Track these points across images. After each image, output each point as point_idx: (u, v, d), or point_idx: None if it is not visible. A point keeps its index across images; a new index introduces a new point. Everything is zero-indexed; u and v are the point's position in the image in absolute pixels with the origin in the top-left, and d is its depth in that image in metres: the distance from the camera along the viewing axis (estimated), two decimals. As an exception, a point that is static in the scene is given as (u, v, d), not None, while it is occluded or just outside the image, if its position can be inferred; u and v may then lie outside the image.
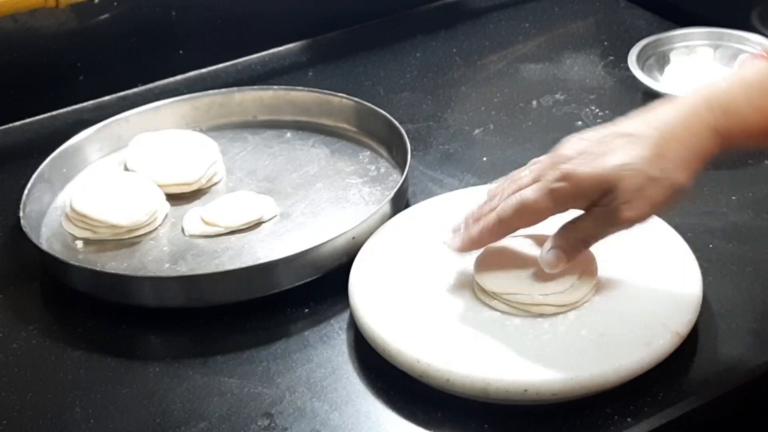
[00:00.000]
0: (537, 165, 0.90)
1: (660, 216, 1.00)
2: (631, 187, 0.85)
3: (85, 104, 1.34)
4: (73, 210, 1.08)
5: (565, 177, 0.87)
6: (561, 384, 0.85)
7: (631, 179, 0.85)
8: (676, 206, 0.87)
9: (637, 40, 1.32)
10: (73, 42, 1.31)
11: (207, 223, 1.08)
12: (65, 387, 0.94)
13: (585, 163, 0.87)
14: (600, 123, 1.11)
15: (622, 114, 0.90)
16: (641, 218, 0.87)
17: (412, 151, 1.12)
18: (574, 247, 0.90)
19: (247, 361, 0.95)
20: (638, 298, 0.92)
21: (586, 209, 0.88)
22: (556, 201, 0.88)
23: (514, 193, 0.89)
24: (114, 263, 1.05)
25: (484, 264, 0.94)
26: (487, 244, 0.93)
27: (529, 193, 0.88)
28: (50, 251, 1.04)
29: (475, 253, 0.94)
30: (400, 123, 1.16)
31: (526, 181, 0.89)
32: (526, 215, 0.89)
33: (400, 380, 0.89)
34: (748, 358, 0.91)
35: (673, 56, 1.32)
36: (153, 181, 1.12)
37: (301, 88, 1.26)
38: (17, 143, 1.28)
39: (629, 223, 0.87)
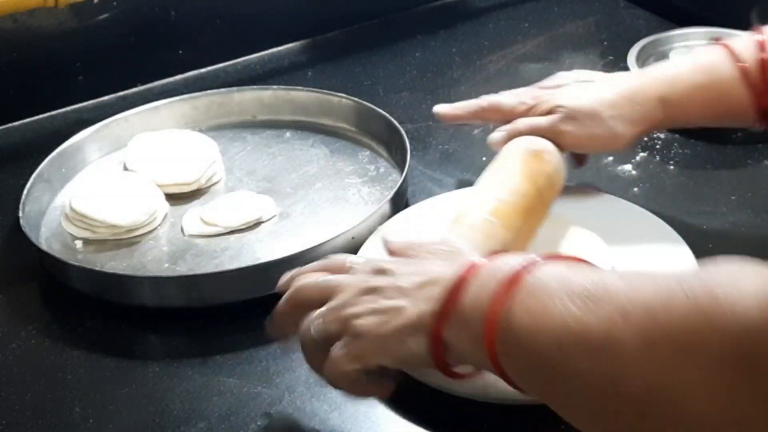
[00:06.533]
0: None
1: (660, 216, 1.00)
2: None
3: (84, 104, 1.34)
4: (72, 210, 1.08)
5: None
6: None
7: None
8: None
9: (637, 40, 1.32)
10: (72, 42, 1.31)
11: (206, 223, 1.08)
12: (65, 387, 0.94)
13: None
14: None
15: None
16: None
17: (411, 150, 1.12)
18: None
19: (247, 361, 0.95)
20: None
21: None
22: None
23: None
24: (113, 263, 1.05)
25: None
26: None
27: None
28: (49, 251, 1.04)
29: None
30: (399, 123, 1.16)
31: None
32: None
33: (401, 380, 0.89)
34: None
35: (673, 56, 1.31)
36: (152, 181, 1.12)
37: (300, 88, 1.26)
38: (17, 143, 1.28)
39: None
